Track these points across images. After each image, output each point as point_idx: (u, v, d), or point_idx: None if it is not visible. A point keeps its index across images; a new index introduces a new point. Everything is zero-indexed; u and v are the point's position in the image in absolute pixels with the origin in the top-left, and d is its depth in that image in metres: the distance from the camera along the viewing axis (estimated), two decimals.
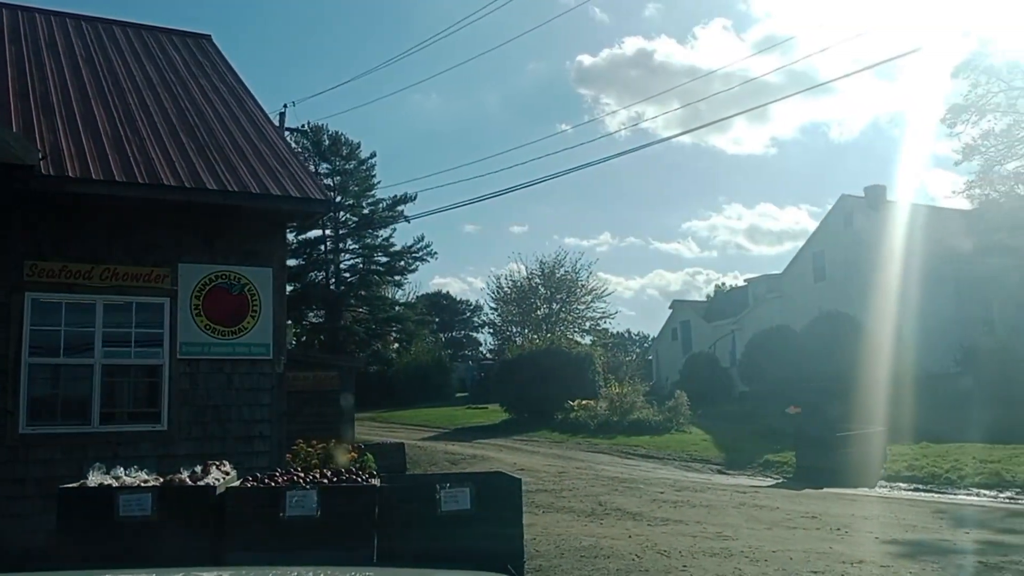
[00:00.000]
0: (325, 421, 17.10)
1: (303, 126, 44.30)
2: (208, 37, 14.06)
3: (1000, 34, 22.65)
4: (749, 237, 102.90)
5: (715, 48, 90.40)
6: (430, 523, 6.91)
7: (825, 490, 14.14)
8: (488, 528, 7.02)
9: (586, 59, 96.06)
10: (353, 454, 9.88)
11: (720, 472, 17.71)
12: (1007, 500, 13.14)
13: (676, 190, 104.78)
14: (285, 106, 68.29)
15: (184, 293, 9.04)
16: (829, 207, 36.56)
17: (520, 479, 7.21)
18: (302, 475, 7.38)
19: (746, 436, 21.45)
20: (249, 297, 9.23)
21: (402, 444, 17.25)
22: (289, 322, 45.86)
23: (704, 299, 57.57)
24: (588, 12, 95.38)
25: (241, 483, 7.24)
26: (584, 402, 26.95)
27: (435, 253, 52.79)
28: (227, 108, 11.16)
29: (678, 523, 10.20)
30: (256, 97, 12.03)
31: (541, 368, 28.24)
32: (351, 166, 51.40)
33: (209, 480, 7.04)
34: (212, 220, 9.22)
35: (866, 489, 14.61)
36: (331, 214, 48.82)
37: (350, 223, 51.63)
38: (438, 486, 7.07)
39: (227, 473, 7.44)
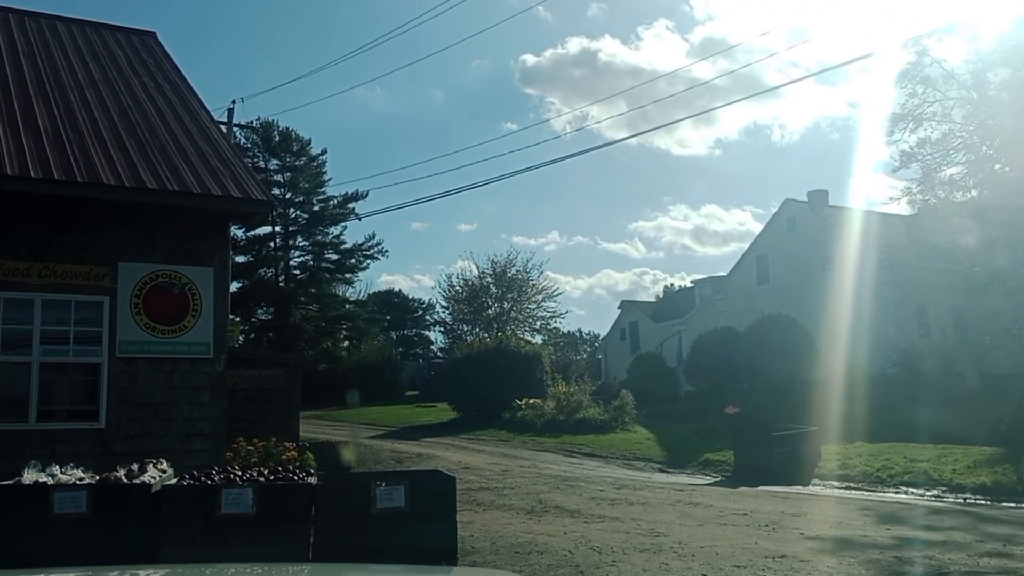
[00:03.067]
0: (270, 419, 17.07)
1: (252, 122, 43.91)
2: (153, 35, 13.99)
3: (935, 45, 23.23)
4: (695, 238, 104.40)
5: (659, 49, 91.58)
6: (365, 520, 7.07)
7: (760, 488, 14.53)
8: (422, 525, 7.20)
9: (530, 58, 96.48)
10: (293, 452, 9.99)
11: (661, 470, 18.06)
12: (932, 498, 13.64)
13: (623, 190, 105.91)
14: (234, 101, 67.38)
15: (124, 292, 9.05)
16: (773, 210, 37.34)
17: (454, 477, 7.39)
18: (239, 473, 7.47)
19: (689, 435, 21.87)
20: (190, 296, 9.27)
21: (347, 442, 17.30)
22: (237, 319, 45.55)
23: (653, 300, 58.26)
24: (532, 11, 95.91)
25: (178, 481, 7.32)
26: (532, 401, 27.19)
27: (386, 251, 52.91)
28: (170, 107, 11.16)
29: (614, 520, 10.44)
30: (200, 96, 12.03)
31: (489, 367, 28.41)
32: (301, 163, 51.07)
33: (145, 478, 7.10)
34: (153, 219, 9.24)
35: (799, 487, 15.04)
36: (281, 211, 48.51)
37: (300, 220, 51.36)
38: (374, 484, 7.22)
39: (164, 471, 7.51)
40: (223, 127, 28.26)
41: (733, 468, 17.10)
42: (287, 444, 10.12)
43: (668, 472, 17.81)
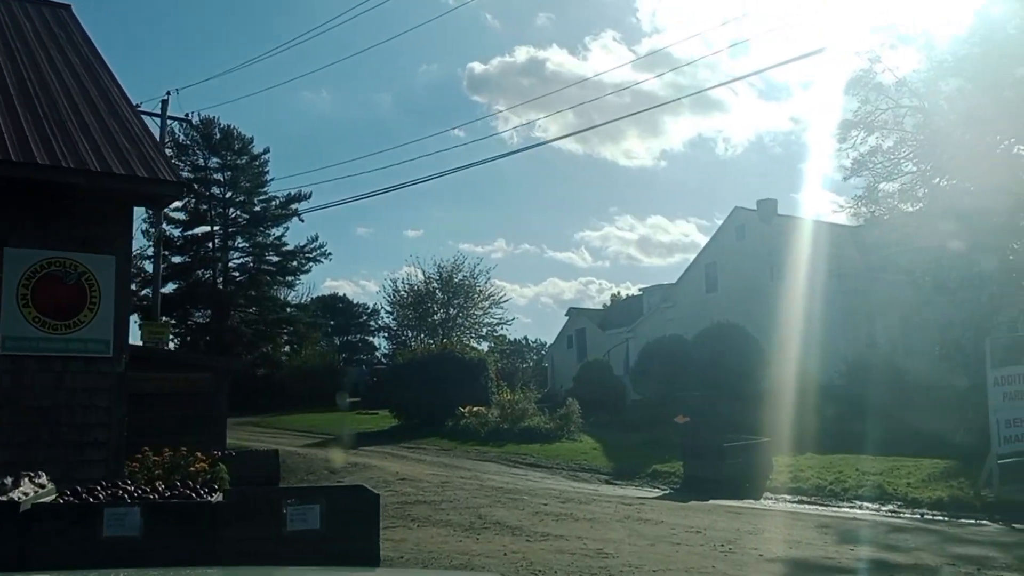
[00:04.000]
0: (193, 427, 15.89)
1: (189, 115, 42.29)
2: (68, 7, 12.86)
3: (888, 53, 22.99)
4: (641, 248, 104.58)
5: (606, 59, 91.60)
6: (273, 544, 6.14)
7: (711, 502, 13.86)
8: (340, 548, 6.27)
9: (477, 66, 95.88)
10: (203, 464, 8.98)
11: (608, 482, 17.32)
12: (889, 513, 13.08)
13: (569, 200, 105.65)
14: (168, 93, 65.53)
15: (10, 281, 7.99)
16: (718, 222, 37.07)
17: (378, 495, 6.52)
18: (130, 489, 6.50)
19: (636, 445, 21.20)
20: (87, 287, 8.23)
21: (276, 451, 16.24)
22: (172, 320, 43.90)
23: (600, 307, 57.75)
24: (479, 18, 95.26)
25: (55, 498, 6.32)
26: (476, 409, 26.34)
27: (329, 254, 51.56)
28: (77, 81, 10.09)
29: (559, 538, 9.64)
30: (114, 73, 10.96)
31: (433, 373, 27.49)
32: (243, 161, 49.59)
33: (15, 494, 6.08)
34: (46, 200, 8.18)
35: (751, 501, 14.40)
36: (220, 211, 47.00)
37: (240, 220, 49.83)
38: (284, 503, 6.30)
39: (42, 486, 6.49)
40: (156, 119, 26.96)
41: (682, 480, 16.44)
42: (198, 455, 9.09)
43: (615, 484, 17.08)
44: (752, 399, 24.36)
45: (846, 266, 31.14)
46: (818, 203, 62.42)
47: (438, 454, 21.76)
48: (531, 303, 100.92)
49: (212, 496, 6.51)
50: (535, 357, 72.23)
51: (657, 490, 16.24)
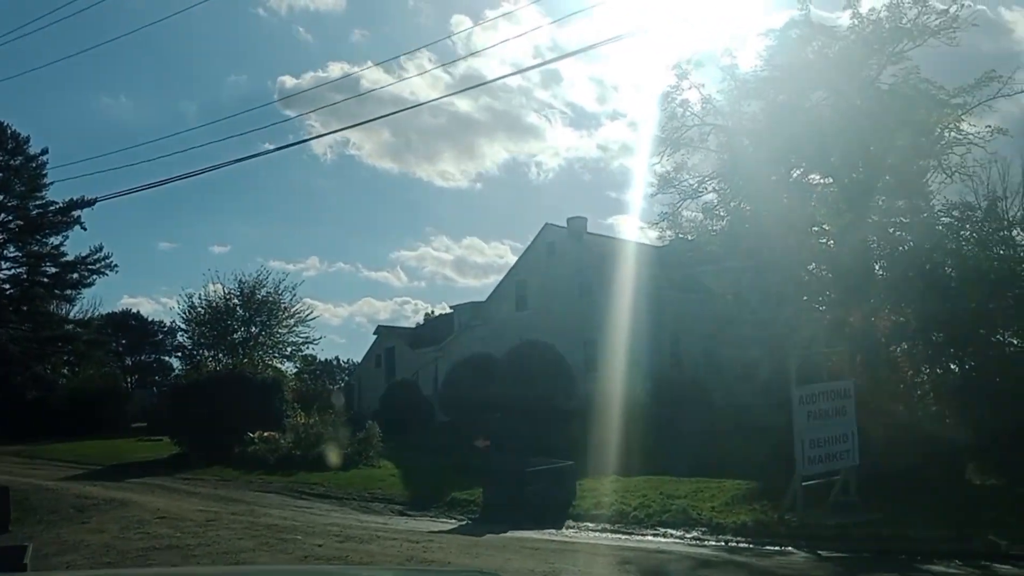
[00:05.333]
0: None
1: None
2: None
3: (695, 70, 22.93)
4: (456, 269, 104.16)
5: (421, 79, 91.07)
6: None
7: (509, 534, 12.70)
8: None
9: (289, 80, 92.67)
10: None
11: (402, 513, 15.85)
12: (694, 541, 12.31)
13: (385, 219, 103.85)
14: None
15: None
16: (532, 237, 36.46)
17: (27, 546, 4.79)
18: None
19: (438, 470, 19.83)
20: None
21: (6, 489, 13.72)
22: None
23: (414, 326, 56.23)
24: (292, 33, 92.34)
25: None
26: (267, 434, 24.20)
27: (115, 265, 47.02)
28: None
29: None
30: None
31: (220, 395, 25.00)
32: (17, 162, 44.56)
33: None
34: None
35: (553, 531, 13.34)
36: None
37: (13, 227, 44.76)
38: None
39: None
40: None
41: (482, 509, 15.24)
42: None
43: (410, 515, 15.63)
44: (560, 420, 23.65)
45: (653, 285, 31.21)
46: (630, 224, 63.96)
47: (217, 485, 19.54)
48: (345, 323, 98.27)
49: None
50: (345, 378, 69.83)
51: (454, 521, 14.92)
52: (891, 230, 20.18)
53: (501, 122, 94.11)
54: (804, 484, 12.22)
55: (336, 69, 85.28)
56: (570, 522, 14.16)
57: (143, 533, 12.14)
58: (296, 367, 58.66)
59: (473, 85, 72.56)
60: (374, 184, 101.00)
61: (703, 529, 12.77)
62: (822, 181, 21.92)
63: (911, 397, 16.13)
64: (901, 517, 11.57)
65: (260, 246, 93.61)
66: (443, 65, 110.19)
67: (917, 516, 11.45)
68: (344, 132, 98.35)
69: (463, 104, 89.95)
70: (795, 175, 22.37)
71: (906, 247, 19.82)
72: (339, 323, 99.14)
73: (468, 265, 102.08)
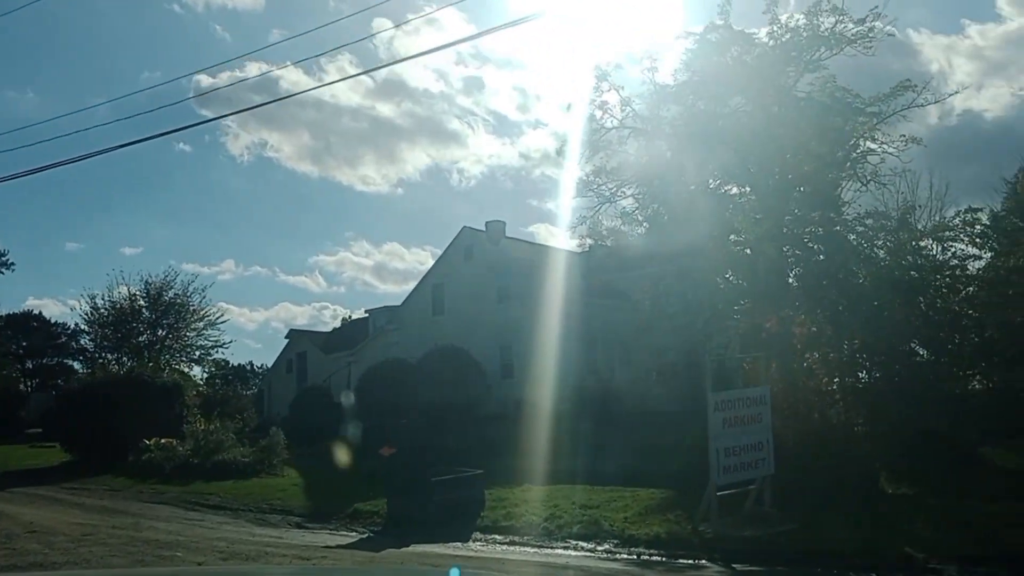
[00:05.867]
0: None
1: None
2: None
3: (615, 72, 22.60)
4: (376, 275, 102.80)
5: (342, 83, 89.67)
6: None
7: (412, 548, 11.99)
8: None
9: (205, 78, 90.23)
10: None
11: (300, 526, 14.96)
12: (605, 555, 11.76)
13: (304, 223, 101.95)
14: None
15: None
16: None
17: None
18: None
19: (344, 480, 18.99)
20: None
21: None
22: None
23: (328, 331, 54.92)
24: (208, 31, 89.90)
25: None
26: (164, 441, 23.00)
27: (11, 264, 44.75)
28: None
29: None
30: None
31: (114, 400, 23.71)
32: None
33: None
34: None
35: (458, 544, 12.66)
36: None
37: None
38: None
39: None
40: None
41: (385, 521, 14.49)
42: None
43: (308, 528, 14.76)
44: (474, 427, 23.05)
45: (573, 291, 30.82)
46: (552, 233, 63.79)
47: (104, 496, 18.32)
48: (261, 327, 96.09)
49: None
50: (258, 383, 68.01)
51: (355, 534, 14.11)
52: (806, 239, 20.15)
53: (423, 128, 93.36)
54: (719, 494, 11.83)
55: (254, 69, 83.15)
56: (478, 534, 13.49)
57: (8, 549, 11.06)
58: (206, 372, 56.88)
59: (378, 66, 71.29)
60: (293, 187, 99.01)
61: (615, 541, 12.22)
62: (739, 190, 21.80)
63: (825, 405, 15.95)
64: (816, 528, 11.25)
65: (174, 248, 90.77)
66: (367, 72, 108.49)
67: (832, 527, 11.14)
68: (262, 134, 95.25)
69: (385, 109, 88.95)
70: (713, 183, 22.21)
71: (820, 256, 19.81)
72: (255, 328, 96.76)
73: (388, 271, 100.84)
